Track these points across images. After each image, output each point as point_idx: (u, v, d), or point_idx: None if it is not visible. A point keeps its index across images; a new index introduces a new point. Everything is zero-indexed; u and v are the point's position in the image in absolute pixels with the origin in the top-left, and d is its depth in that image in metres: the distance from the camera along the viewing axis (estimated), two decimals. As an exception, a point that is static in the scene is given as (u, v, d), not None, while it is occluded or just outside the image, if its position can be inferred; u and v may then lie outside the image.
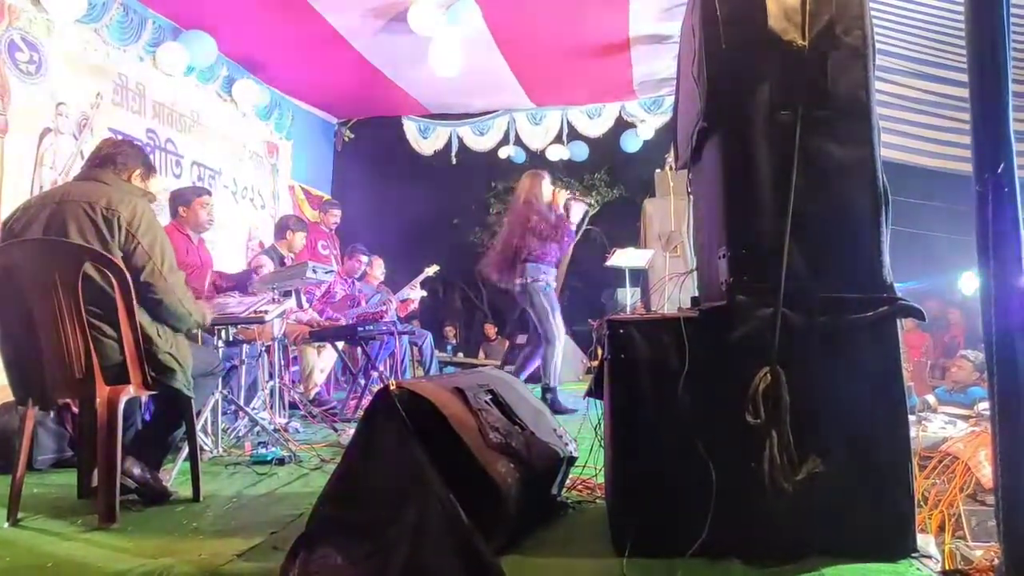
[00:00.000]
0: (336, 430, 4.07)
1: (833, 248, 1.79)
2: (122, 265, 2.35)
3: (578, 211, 5.11)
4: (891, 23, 3.95)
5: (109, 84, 5.03)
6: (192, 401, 2.63)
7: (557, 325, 4.78)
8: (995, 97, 1.56)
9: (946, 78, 3.99)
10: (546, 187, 4.90)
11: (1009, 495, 1.52)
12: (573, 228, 5.05)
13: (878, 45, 1.86)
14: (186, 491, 2.62)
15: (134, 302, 2.37)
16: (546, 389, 4.71)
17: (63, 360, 2.35)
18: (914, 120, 4.06)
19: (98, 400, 2.33)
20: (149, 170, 2.78)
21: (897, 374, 1.79)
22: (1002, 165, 1.52)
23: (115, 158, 2.64)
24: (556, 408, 4.47)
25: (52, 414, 3.24)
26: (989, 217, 1.54)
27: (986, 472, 3.35)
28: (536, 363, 4.97)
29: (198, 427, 2.96)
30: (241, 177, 6.77)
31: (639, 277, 8.48)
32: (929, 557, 1.73)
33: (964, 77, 1.64)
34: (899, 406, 1.78)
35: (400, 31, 5.58)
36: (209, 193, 4.55)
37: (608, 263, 7.57)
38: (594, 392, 2.27)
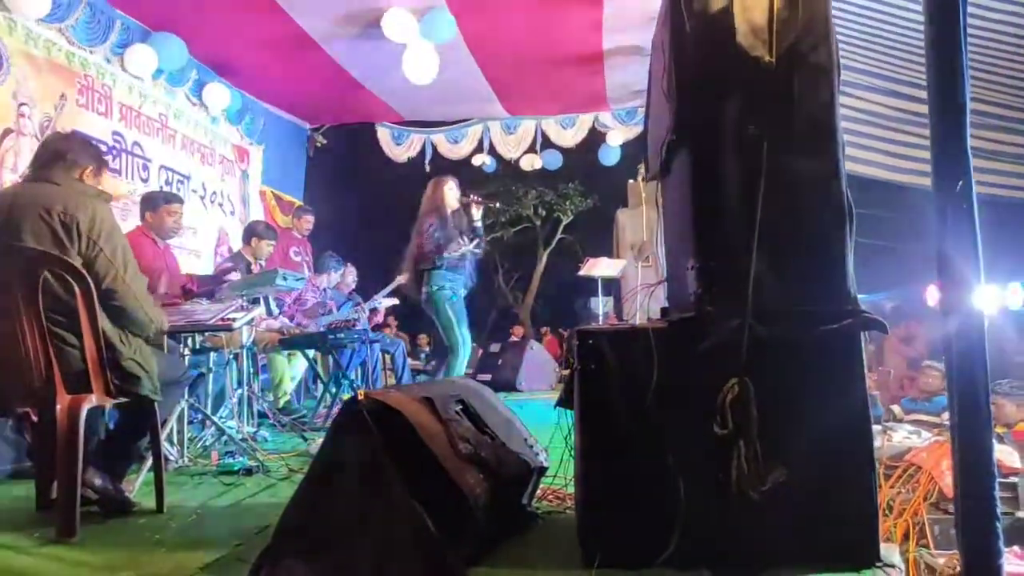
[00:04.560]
0: (305, 439, 4.02)
1: (798, 261, 1.82)
2: (84, 271, 2.30)
3: (477, 211, 5.01)
4: (856, 39, 4.04)
5: (74, 85, 4.93)
6: (157, 408, 2.58)
7: (462, 335, 4.65)
8: (954, 115, 1.61)
9: (908, 94, 4.09)
10: (449, 192, 4.82)
11: (968, 503, 1.55)
12: (478, 227, 4.93)
13: (843, 61, 1.90)
14: (150, 502, 2.56)
15: (96, 308, 2.32)
16: None
17: (21, 368, 2.29)
18: (878, 135, 4.15)
19: (58, 409, 2.27)
20: (101, 166, 2.65)
21: (861, 385, 1.82)
22: (960, 183, 1.56)
23: (65, 155, 2.52)
24: None
25: (10, 422, 3.15)
26: (948, 232, 1.58)
27: (949, 481, 3.42)
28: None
29: (163, 436, 2.90)
30: (210, 182, 6.68)
31: (612, 287, 8.54)
32: (893, 566, 1.75)
33: (925, 94, 1.69)
34: (863, 416, 1.81)
35: (374, 37, 5.56)
36: (180, 201, 4.48)
37: (581, 272, 7.61)
38: (565, 402, 2.28)
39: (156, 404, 2.56)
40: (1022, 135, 4.24)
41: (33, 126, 4.55)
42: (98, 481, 2.43)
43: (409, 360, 7.19)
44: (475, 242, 4.87)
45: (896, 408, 6.03)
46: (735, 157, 1.82)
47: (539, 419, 4.52)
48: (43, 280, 2.26)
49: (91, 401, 2.33)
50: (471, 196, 5.06)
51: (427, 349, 13.73)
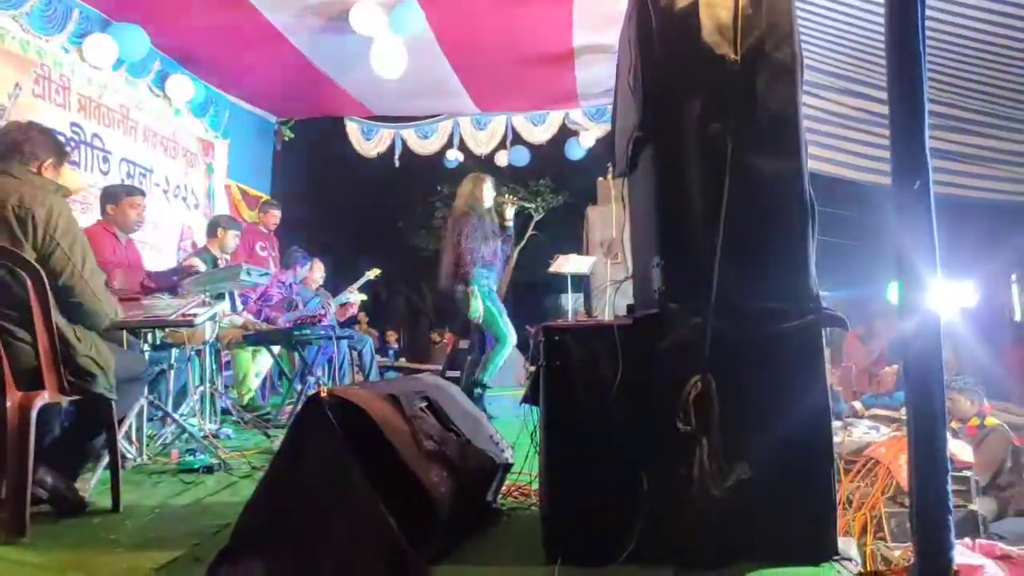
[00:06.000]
0: (269, 436, 3.96)
1: (761, 258, 1.83)
2: (37, 265, 2.23)
3: (510, 211, 5.13)
4: (819, 40, 4.11)
5: (29, 75, 4.78)
6: (114, 406, 2.52)
7: (507, 326, 4.78)
8: (913, 117, 1.63)
9: (869, 95, 4.17)
10: (487, 190, 4.89)
11: (922, 497, 1.58)
12: (510, 227, 5.07)
13: (806, 61, 1.92)
14: (106, 501, 2.49)
15: (50, 304, 2.25)
16: (479, 384, 4.69)
17: (-30, 364, 2.21)
18: (839, 134, 4.23)
19: (8, 406, 2.20)
20: (61, 158, 2.58)
21: (821, 381, 1.84)
22: (919, 182, 1.59)
23: (22, 147, 2.44)
24: (480, 407, 4.45)
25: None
26: (907, 231, 1.61)
27: (906, 475, 3.50)
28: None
29: (121, 434, 2.83)
30: (174, 175, 6.54)
31: (582, 283, 8.57)
32: (849, 559, 1.78)
33: (886, 95, 1.72)
34: (822, 413, 1.84)
35: (341, 30, 5.48)
36: (142, 193, 4.38)
37: (551, 269, 7.62)
38: (530, 398, 2.28)
39: (112, 402, 2.50)
40: (978, 136, 4.35)
41: (-15, 115, 4.40)
42: (49, 480, 2.36)
43: (377, 357, 7.13)
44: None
45: (857, 404, 6.15)
46: (699, 154, 1.83)
47: (506, 415, 4.52)
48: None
49: (43, 398, 2.26)
50: (506, 196, 5.10)
51: (396, 346, 13.67)
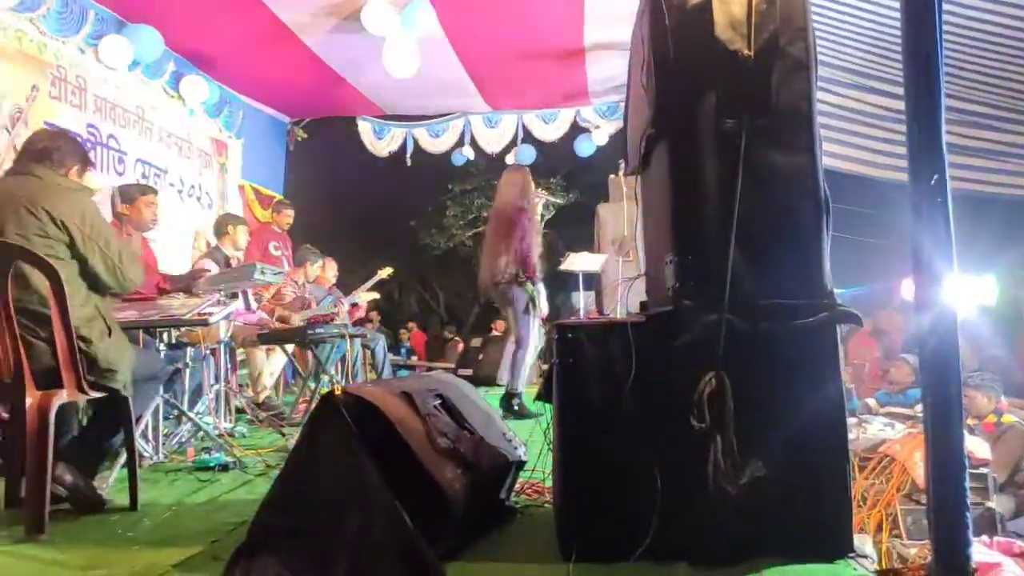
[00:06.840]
0: (283, 434, 3.98)
1: (776, 254, 1.83)
2: (54, 264, 2.26)
3: (539, 205, 5.06)
4: (834, 36, 4.08)
5: (46, 76, 4.83)
6: (131, 404, 2.55)
7: (536, 329, 4.67)
8: (930, 112, 1.62)
9: (885, 91, 4.14)
10: (532, 184, 4.79)
11: (939, 495, 1.57)
12: (537, 220, 4.98)
13: (821, 57, 1.91)
14: (123, 499, 2.52)
15: (68, 303, 2.28)
16: (512, 395, 4.56)
17: (-9, 364, 2.24)
18: (855, 131, 4.19)
19: (28, 405, 2.23)
20: (86, 165, 2.73)
21: (836, 378, 1.83)
22: (935, 177, 1.58)
23: (52, 153, 2.56)
24: (524, 413, 4.38)
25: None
26: (923, 227, 1.59)
27: (921, 472, 3.47)
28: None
29: (138, 433, 2.86)
30: (188, 176, 6.59)
31: (593, 281, 8.54)
32: (865, 556, 1.78)
33: (902, 91, 1.70)
34: (838, 410, 1.83)
35: (353, 29, 5.50)
36: (155, 192, 4.41)
37: (562, 267, 7.61)
38: (544, 396, 2.28)
39: (130, 400, 2.53)
40: (995, 131, 4.31)
41: (3, 118, 4.44)
42: (69, 478, 2.38)
43: (390, 355, 7.16)
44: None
45: (871, 401, 6.11)
46: (713, 150, 1.82)
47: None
48: (12, 273, 2.22)
49: (62, 397, 2.29)
50: (536, 190, 5.02)
51: (408, 344, 13.69)
